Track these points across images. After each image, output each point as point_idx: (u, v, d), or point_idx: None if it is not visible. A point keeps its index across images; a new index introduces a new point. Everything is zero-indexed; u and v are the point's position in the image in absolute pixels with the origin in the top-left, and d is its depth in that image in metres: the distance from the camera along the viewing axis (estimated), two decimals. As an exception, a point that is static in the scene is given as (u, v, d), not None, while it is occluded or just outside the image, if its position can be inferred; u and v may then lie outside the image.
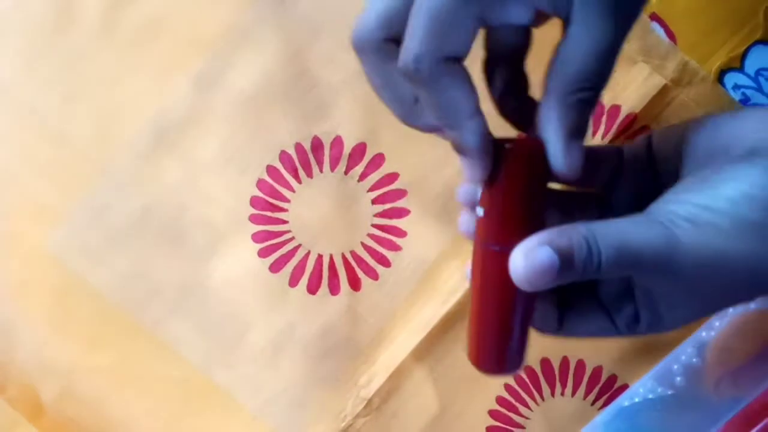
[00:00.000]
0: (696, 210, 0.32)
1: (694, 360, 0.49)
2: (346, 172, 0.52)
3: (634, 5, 0.32)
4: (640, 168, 0.38)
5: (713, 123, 0.35)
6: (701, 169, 0.34)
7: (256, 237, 0.52)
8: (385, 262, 0.53)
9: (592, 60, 0.31)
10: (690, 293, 0.33)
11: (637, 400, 0.51)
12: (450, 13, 0.31)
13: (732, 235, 0.31)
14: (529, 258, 0.31)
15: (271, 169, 0.52)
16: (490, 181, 0.34)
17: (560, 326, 0.36)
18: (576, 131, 0.33)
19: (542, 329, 0.36)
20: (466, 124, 0.33)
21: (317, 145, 0.52)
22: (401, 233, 0.52)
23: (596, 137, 0.52)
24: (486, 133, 0.33)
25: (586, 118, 0.33)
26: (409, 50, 0.32)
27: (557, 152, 0.33)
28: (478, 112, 0.33)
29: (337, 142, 0.52)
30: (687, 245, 0.31)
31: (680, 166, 0.36)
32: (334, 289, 0.53)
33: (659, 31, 0.52)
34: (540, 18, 0.33)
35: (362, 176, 0.52)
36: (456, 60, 0.32)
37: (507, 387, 0.53)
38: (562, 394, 0.53)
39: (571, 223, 0.33)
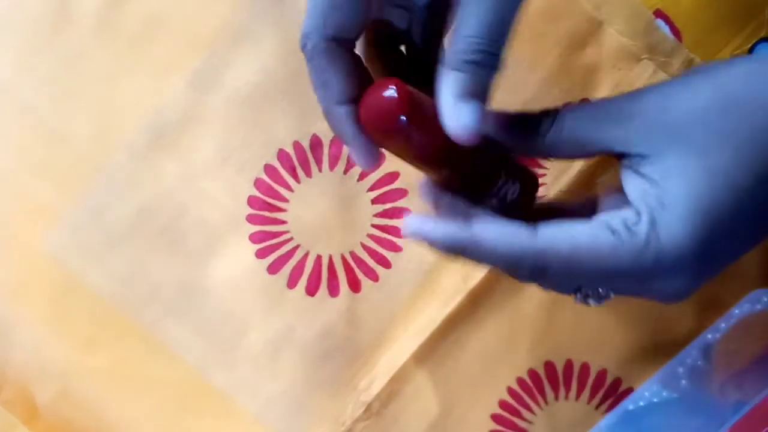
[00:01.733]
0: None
1: (700, 363, 0.48)
2: (345, 172, 0.52)
3: None
4: None
5: None
6: None
7: (254, 237, 0.52)
8: (385, 263, 0.52)
9: (476, 24, 0.31)
10: (670, 140, 0.31)
11: (642, 403, 0.50)
12: None
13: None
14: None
15: (269, 168, 0.52)
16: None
17: (536, 230, 0.33)
18: (463, 92, 0.32)
19: (509, 239, 0.33)
20: (334, 110, 0.33)
21: (316, 143, 0.52)
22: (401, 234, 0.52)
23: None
24: (357, 123, 0.33)
25: (477, 81, 0.32)
26: (302, 28, 0.33)
27: (441, 111, 0.32)
28: (350, 100, 0.33)
29: (337, 140, 0.52)
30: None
31: None
32: (333, 290, 0.52)
33: (664, 28, 0.51)
34: None
35: (362, 176, 0.52)
36: (342, 42, 0.33)
37: (510, 391, 0.53)
38: (566, 397, 0.52)
39: None
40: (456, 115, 0.32)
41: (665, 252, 0.31)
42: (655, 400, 0.49)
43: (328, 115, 0.34)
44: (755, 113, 0.30)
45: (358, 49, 0.36)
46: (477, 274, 0.51)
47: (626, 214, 0.32)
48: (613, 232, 0.31)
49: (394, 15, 0.37)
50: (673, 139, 0.31)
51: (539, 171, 0.52)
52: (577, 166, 0.51)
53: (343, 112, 0.33)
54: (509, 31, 0.32)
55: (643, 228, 0.31)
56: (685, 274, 0.31)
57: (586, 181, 0.51)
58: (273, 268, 0.52)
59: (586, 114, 0.32)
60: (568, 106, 0.32)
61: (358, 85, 0.33)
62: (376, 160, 0.34)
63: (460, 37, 0.32)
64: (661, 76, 0.51)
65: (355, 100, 0.33)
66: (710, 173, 0.30)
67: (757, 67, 0.31)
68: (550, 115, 0.32)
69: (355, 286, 0.52)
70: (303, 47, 0.33)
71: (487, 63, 0.32)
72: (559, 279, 0.33)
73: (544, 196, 0.51)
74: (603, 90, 0.51)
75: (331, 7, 0.32)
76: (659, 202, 0.31)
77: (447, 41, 0.33)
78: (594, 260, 0.31)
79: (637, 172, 0.32)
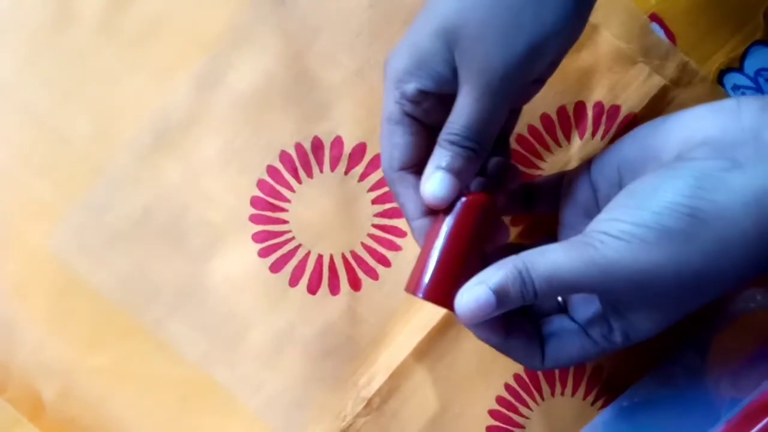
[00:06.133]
0: (624, 226, 0.34)
1: (695, 360, 0.49)
2: (346, 172, 0.52)
3: (498, 84, 0.38)
4: (582, 193, 0.44)
5: (644, 133, 0.40)
6: (634, 180, 0.37)
7: (257, 237, 0.52)
8: (385, 262, 0.53)
9: (459, 115, 0.39)
10: (640, 302, 0.36)
11: (637, 400, 0.51)
12: (390, 138, 0.41)
13: (658, 246, 0.34)
14: (469, 298, 0.37)
15: (271, 169, 0.52)
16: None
17: (543, 357, 0.40)
18: (444, 165, 0.40)
19: (528, 363, 0.40)
20: (412, 224, 0.42)
21: (317, 145, 0.52)
22: (401, 233, 0.52)
23: (596, 137, 0.52)
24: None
25: (459, 160, 0.40)
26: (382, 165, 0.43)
27: (423, 177, 0.40)
28: (422, 216, 0.42)
29: (338, 142, 0.52)
30: (616, 264, 0.34)
31: (621, 181, 0.41)
32: (334, 289, 0.53)
33: (659, 31, 0.52)
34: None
35: (362, 176, 0.52)
36: (409, 169, 0.41)
37: (507, 387, 0.53)
38: (562, 393, 0.53)
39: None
40: (428, 181, 0.40)
41: (631, 346, 0.39)
42: (650, 396, 0.50)
43: (413, 227, 0.43)
44: (715, 291, 0.36)
45: None
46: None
47: (602, 326, 0.39)
48: (596, 344, 0.39)
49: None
50: (646, 308, 0.36)
51: (536, 172, 0.52)
52: (574, 164, 0.52)
53: (415, 226, 0.42)
54: (489, 125, 0.39)
55: (618, 339, 0.38)
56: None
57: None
58: (275, 267, 0.52)
59: (562, 290, 0.36)
60: (546, 282, 0.36)
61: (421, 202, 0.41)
62: None
63: (449, 123, 0.40)
64: (656, 79, 0.51)
65: (428, 213, 0.42)
66: (676, 317, 0.37)
67: (722, 258, 0.34)
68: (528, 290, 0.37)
69: (355, 284, 0.53)
70: (387, 180, 0.43)
71: (467, 147, 0.39)
72: None
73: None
74: (598, 92, 0.52)
75: (393, 148, 0.41)
76: (632, 330, 0.38)
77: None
78: (582, 361, 0.41)
79: (610, 303, 0.38)
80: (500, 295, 0.36)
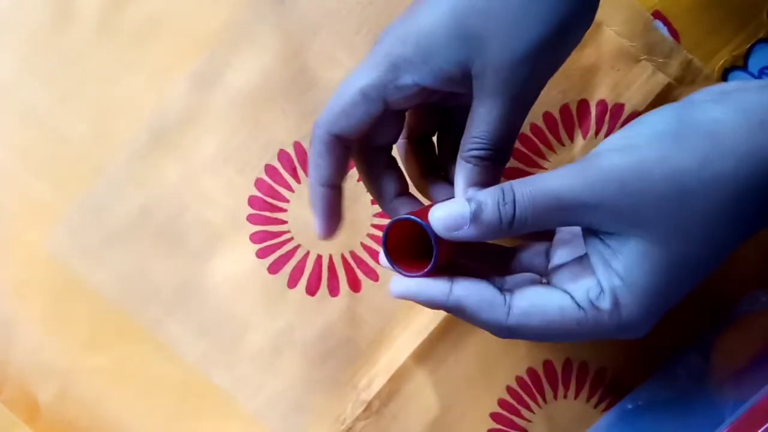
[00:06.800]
0: (617, 140, 0.34)
1: (698, 362, 0.48)
2: (345, 172, 0.52)
3: (524, 92, 0.37)
4: None
5: None
6: None
7: (255, 237, 0.52)
8: (385, 263, 0.52)
9: (484, 127, 0.37)
10: (631, 225, 0.33)
11: (640, 402, 0.50)
12: (347, 105, 0.38)
13: (647, 146, 0.33)
14: (442, 207, 0.35)
15: (269, 169, 0.52)
16: None
17: (509, 309, 0.36)
18: (473, 182, 0.38)
19: (488, 317, 0.36)
20: (315, 187, 0.40)
21: (316, 144, 0.52)
22: (401, 233, 0.52)
23: (599, 136, 0.52)
24: (327, 204, 0.40)
25: (485, 173, 0.38)
26: (318, 117, 0.40)
27: (456, 195, 0.39)
28: (330, 186, 0.40)
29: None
30: (606, 169, 0.33)
31: None
32: (333, 290, 0.52)
33: (663, 29, 0.51)
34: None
35: (362, 176, 0.52)
36: (342, 139, 0.39)
37: (509, 389, 0.53)
38: (565, 396, 0.53)
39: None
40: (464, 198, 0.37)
41: (624, 324, 0.35)
42: (653, 399, 0.49)
43: (311, 188, 0.41)
44: (707, 203, 0.33)
45: (399, 143, 0.43)
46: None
47: (590, 285, 0.35)
48: (580, 307, 0.35)
49: (430, 117, 0.43)
50: (637, 227, 0.33)
51: (539, 172, 0.52)
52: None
53: (320, 191, 0.40)
54: (514, 133, 0.38)
55: (606, 305, 0.34)
56: (639, 331, 0.35)
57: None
58: (273, 268, 0.52)
59: (546, 207, 0.34)
60: (528, 197, 0.34)
61: (339, 176, 0.40)
62: (331, 236, 0.42)
63: (470, 136, 0.38)
64: (660, 77, 0.51)
65: (333, 186, 0.40)
66: (670, 263, 0.33)
67: (711, 151, 0.33)
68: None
69: (355, 285, 0.52)
70: (313, 131, 0.40)
71: (491, 158, 0.38)
72: (531, 338, 0.37)
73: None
74: (602, 91, 0.51)
75: (342, 113, 0.38)
76: (623, 285, 0.34)
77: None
78: (562, 330, 0.35)
79: (601, 245, 0.35)
80: (477, 207, 0.34)
